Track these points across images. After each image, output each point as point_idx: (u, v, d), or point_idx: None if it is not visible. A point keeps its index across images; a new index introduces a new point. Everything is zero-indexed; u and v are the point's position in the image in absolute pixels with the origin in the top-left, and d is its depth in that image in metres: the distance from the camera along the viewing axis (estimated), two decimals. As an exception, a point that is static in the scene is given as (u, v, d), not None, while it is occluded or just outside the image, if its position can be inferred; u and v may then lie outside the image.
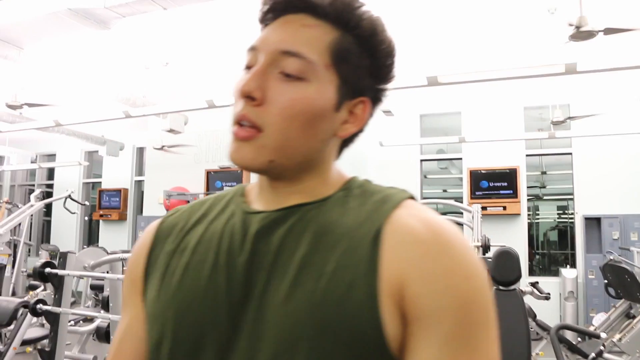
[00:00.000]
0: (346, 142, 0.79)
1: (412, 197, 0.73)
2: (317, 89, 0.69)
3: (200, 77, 7.41)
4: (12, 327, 4.10)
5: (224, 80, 7.29)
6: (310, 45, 0.69)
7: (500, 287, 2.73)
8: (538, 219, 10.06)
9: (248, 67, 0.72)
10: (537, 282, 4.44)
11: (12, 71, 6.25)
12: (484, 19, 5.61)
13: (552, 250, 10.42)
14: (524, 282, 4.86)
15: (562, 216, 10.37)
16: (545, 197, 10.00)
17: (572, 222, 8.38)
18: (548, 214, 10.76)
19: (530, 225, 9.08)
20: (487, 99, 8.17)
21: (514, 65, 5.37)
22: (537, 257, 9.84)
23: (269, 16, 0.73)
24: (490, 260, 2.90)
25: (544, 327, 4.37)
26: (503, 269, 2.71)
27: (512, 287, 2.80)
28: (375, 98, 0.77)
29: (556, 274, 8.35)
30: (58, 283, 3.82)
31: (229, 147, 0.71)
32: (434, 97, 8.26)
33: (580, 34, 4.10)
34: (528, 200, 8.73)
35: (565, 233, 9.66)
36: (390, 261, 0.64)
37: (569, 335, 4.28)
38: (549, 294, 4.41)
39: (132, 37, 6.08)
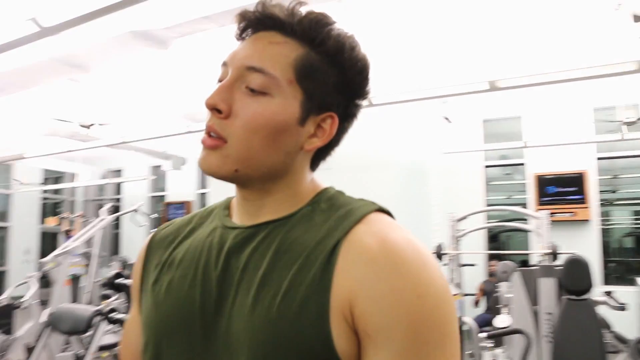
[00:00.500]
0: (321, 154, 0.81)
1: (381, 210, 0.75)
2: (280, 104, 0.72)
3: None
4: (89, 334, 4.27)
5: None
6: (274, 62, 0.72)
7: (572, 297, 2.61)
8: (611, 225, 9.60)
9: (220, 81, 0.75)
10: (612, 292, 4.22)
11: (81, 93, 6.54)
12: (544, 20, 5.44)
13: (628, 257, 9.90)
14: (599, 292, 4.64)
15: (638, 222, 9.87)
16: (618, 202, 9.54)
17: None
18: (622, 219, 10.26)
19: (603, 232, 8.69)
20: (551, 101, 7.89)
21: (579, 65, 5.16)
22: (611, 265, 9.39)
23: (244, 34, 0.77)
24: (559, 268, 2.79)
25: (621, 340, 4.15)
26: (573, 277, 2.59)
27: (584, 296, 2.67)
28: (346, 113, 0.78)
29: (633, 283, 7.93)
30: (128, 292, 3.96)
31: (200, 154, 0.75)
32: (496, 102, 8.06)
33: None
34: (600, 205, 8.34)
35: (641, 240, 9.19)
36: (341, 279, 0.66)
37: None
38: (624, 304, 4.18)
39: (192, 54, 6.24)
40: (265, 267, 0.70)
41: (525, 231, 7.61)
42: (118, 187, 13.68)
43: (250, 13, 0.75)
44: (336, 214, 0.73)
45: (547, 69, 5.28)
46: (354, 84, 0.76)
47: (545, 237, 5.79)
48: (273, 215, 0.75)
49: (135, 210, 7.40)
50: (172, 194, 12.15)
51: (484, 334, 3.20)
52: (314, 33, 0.73)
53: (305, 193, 0.78)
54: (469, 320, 3.18)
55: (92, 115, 7.63)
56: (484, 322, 5.96)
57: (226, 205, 0.84)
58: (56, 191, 14.36)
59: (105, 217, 7.45)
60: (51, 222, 13.07)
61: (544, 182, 8.05)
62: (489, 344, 4.30)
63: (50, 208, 14.68)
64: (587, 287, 2.73)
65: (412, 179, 8.76)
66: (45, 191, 13.72)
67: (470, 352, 3.33)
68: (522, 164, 8.56)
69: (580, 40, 5.91)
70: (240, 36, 0.77)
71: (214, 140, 0.72)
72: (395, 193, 8.26)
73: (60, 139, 8.89)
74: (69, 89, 6.69)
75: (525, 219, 7.09)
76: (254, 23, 0.75)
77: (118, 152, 10.38)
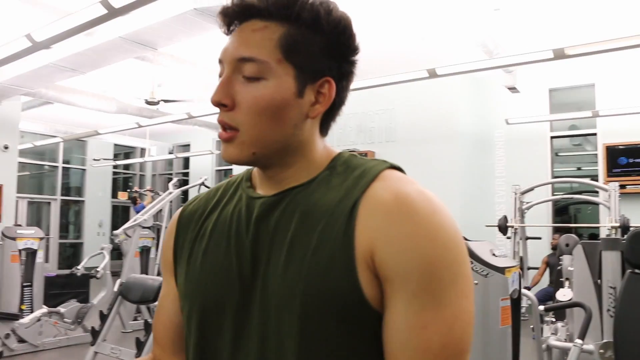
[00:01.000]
0: (328, 117, 0.85)
1: (393, 167, 0.81)
2: (275, 84, 0.76)
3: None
4: (157, 303, 4.49)
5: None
6: (260, 47, 0.76)
7: (636, 271, 2.56)
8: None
9: (220, 78, 0.80)
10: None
11: (149, 70, 6.77)
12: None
13: None
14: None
15: None
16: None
17: None
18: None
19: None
20: (623, 69, 7.52)
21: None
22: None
23: (230, 29, 0.80)
24: (624, 242, 2.72)
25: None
26: (637, 251, 2.53)
27: (650, 270, 2.61)
28: (341, 73, 0.81)
29: None
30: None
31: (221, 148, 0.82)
32: (565, 70, 7.76)
33: None
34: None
35: None
36: (362, 231, 0.72)
37: None
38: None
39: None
40: (293, 229, 0.76)
41: (594, 203, 7.37)
42: (186, 162, 14.11)
43: (229, 8, 0.79)
44: (352, 175, 0.79)
45: (614, 36, 5.05)
46: (340, 44, 0.80)
47: (614, 209, 5.61)
48: (294, 183, 0.81)
49: (202, 184, 7.62)
50: (237, 167, 12.42)
51: (542, 307, 3.17)
52: (288, 10, 0.77)
53: (321, 159, 0.83)
54: (529, 294, 3.15)
55: (160, 92, 7.90)
56: (547, 295, 5.86)
57: (248, 177, 0.89)
58: (126, 166, 14.97)
59: (172, 191, 7.73)
60: (122, 196, 13.70)
61: (614, 153, 7.73)
62: (550, 317, 4.25)
63: (121, 183, 15.35)
64: (653, 260, 2.66)
65: (477, 150, 8.62)
66: (116, 166, 14.31)
67: (531, 326, 3.31)
68: (593, 134, 8.24)
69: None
70: (228, 32, 0.81)
71: (228, 132, 0.78)
72: (460, 165, 8.16)
73: (129, 116, 9.26)
74: (137, 67, 6.93)
75: (597, 192, 6.87)
76: (235, 16, 0.79)
77: (185, 127, 10.68)
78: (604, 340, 3.02)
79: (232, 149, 0.79)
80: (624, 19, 5.94)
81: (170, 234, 0.93)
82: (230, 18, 0.80)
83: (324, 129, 0.86)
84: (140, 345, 4.25)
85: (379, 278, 0.71)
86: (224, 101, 0.77)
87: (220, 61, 0.81)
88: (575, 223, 9.48)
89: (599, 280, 3.20)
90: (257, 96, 0.76)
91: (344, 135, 9.31)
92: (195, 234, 0.88)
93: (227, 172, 12.85)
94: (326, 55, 0.79)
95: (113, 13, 3.84)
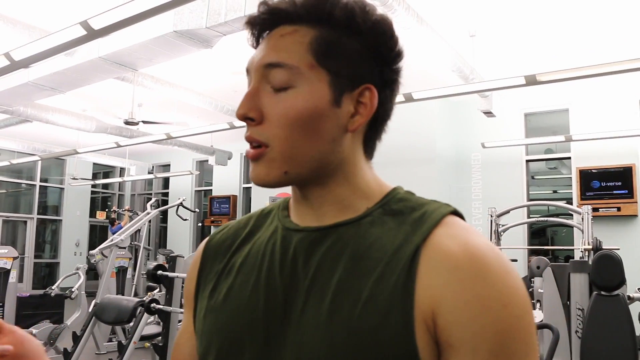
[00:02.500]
0: (372, 135, 0.76)
1: (455, 213, 0.70)
2: (307, 92, 0.68)
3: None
4: (132, 324, 4.46)
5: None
6: (289, 52, 0.69)
7: (602, 293, 2.61)
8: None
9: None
10: (648, 288, 4.14)
11: (128, 91, 6.78)
12: (590, 8, 5.35)
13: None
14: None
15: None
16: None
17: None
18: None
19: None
20: (597, 94, 7.71)
21: (623, 57, 5.06)
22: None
23: (259, 40, 0.74)
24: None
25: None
26: (603, 273, 2.59)
27: (615, 292, 2.66)
28: (384, 81, 0.73)
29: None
30: (168, 284, 4.12)
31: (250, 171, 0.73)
32: (540, 95, 7.94)
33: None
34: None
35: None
36: (424, 287, 0.62)
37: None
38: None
39: (235, 52, 6.39)
40: (340, 273, 0.67)
41: (567, 226, 7.49)
42: (165, 182, 14.06)
43: (256, 17, 0.73)
44: (411, 217, 0.69)
45: (587, 62, 5.20)
46: (381, 47, 0.71)
47: (587, 232, 5.71)
48: (338, 215, 0.72)
49: (180, 205, 7.61)
50: (218, 188, 12.42)
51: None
52: (318, 10, 0.70)
53: (370, 190, 0.74)
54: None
55: (139, 112, 7.90)
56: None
57: (285, 206, 0.80)
58: (105, 186, 14.85)
59: (150, 211, 7.71)
60: (101, 216, 13.57)
61: (588, 177, 7.88)
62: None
63: (100, 202, 15.21)
64: (618, 283, 2.71)
65: (454, 173, 8.72)
66: (94, 186, 14.20)
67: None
68: (568, 158, 8.39)
69: (625, 30, 5.78)
70: (257, 43, 0.74)
71: (256, 149, 0.70)
72: (437, 187, 8.24)
73: (108, 135, 9.22)
74: (117, 87, 6.95)
75: (571, 214, 6.98)
76: (263, 24, 0.73)
77: (165, 147, 10.67)
78: (573, 362, 3.08)
79: (260, 168, 0.70)
80: (596, 47, 6.11)
81: (194, 265, 0.84)
82: (259, 27, 0.73)
83: (369, 148, 0.76)
84: (114, 367, 4.21)
85: (439, 344, 0.62)
86: (250, 114, 0.69)
87: (247, 71, 0.73)
88: (552, 245, 9.59)
89: (568, 302, 3.26)
90: (287, 106, 0.68)
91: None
92: (222, 267, 0.79)
93: (207, 193, 12.81)
94: (365, 59, 0.71)
95: (93, 34, 3.87)
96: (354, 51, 0.70)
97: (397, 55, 0.73)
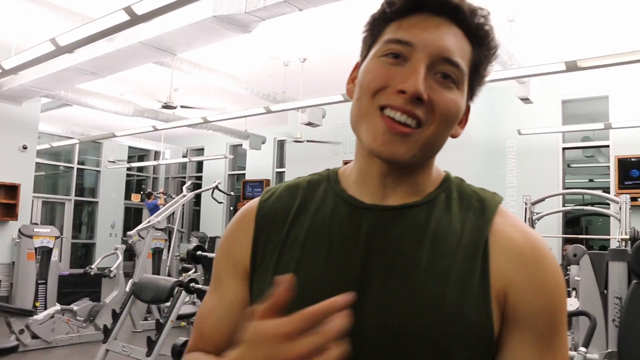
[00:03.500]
0: None
1: (501, 201, 0.80)
2: (461, 96, 0.75)
3: (335, 71, 7.62)
4: (169, 303, 4.58)
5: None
6: (462, 57, 0.74)
7: (642, 282, 2.62)
8: None
9: (395, 56, 0.73)
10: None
11: (166, 75, 6.88)
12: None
13: None
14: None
15: None
16: None
17: None
18: None
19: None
20: (637, 81, 7.53)
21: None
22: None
23: (404, 8, 0.74)
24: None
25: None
26: (644, 262, 2.59)
27: (655, 281, 2.66)
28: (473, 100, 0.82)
29: None
30: (208, 264, 4.21)
31: (375, 137, 0.72)
32: (578, 82, 7.79)
33: None
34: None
35: None
36: (496, 270, 0.73)
37: None
38: None
39: (272, 37, 6.43)
40: (422, 253, 0.73)
41: (604, 215, 7.38)
42: (199, 166, 14.23)
43: None
44: (470, 204, 0.78)
45: (627, 49, 5.08)
46: (486, 75, 0.80)
47: (625, 222, 5.62)
48: (408, 196, 0.78)
49: (216, 188, 7.70)
50: (251, 172, 12.53)
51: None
52: (484, 33, 0.75)
53: (434, 177, 0.81)
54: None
55: (177, 96, 8.01)
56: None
57: (335, 179, 0.84)
58: (140, 169, 15.12)
59: (186, 194, 7.82)
60: (136, 199, 13.85)
61: (627, 165, 7.72)
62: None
63: (135, 185, 15.50)
64: (658, 271, 2.71)
65: (489, 159, 8.65)
66: (129, 169, 14.47)
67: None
68: (606, 146, 8.23)
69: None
70: (398, 10, 0.74)
71: (405, 127, 0.71)
72: (472, 173, 8.18)
73: (144, 119, 9.39)
74: (156, 71, 7.06)
75: (607, 204, 6.87)
76: (429, 3, 0.73)
77: (200, 131, 10.80)
78: (609, 350, 3.07)
79: (400, 146, 0.71)
80: (637, 33, 5.97)
81: (244, 232, 0.83)
82: (425, 3, 0.73)
83: None
84: (151, 344, 4.33)
85: (505, 318, 0.72)
86: (424, 95, 0.70)
87: (410, 44, 0.72)
88: (586, 234, 9.46)
89: (605, 291, 3.24)
90: (451, 103, 0.73)
91: (350, 143, 9.38)
92: (283, 239, 0.80)
93: (240, 177, 12.95)
94: (481, 83, 0.80)
95: (136, 19, 3.95)
96: (485, 74, 0.79)
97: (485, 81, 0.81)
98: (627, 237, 5.42)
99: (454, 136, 0.79)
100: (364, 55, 0.79)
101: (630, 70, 6.98)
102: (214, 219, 12.63)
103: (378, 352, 0.70)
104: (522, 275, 0.72)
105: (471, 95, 0.79)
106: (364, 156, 0.79)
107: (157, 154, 14.48)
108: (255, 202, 0.87)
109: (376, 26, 0.77)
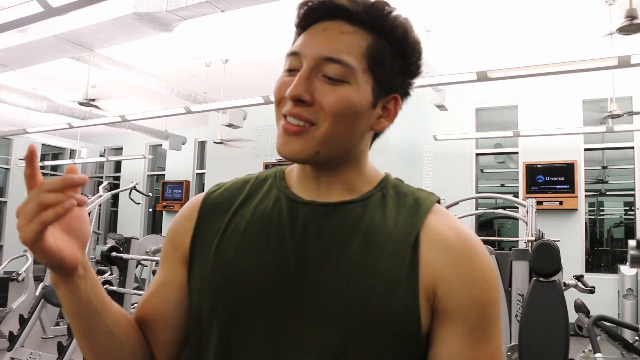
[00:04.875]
0: (377, 134, 0.86)
1: (438, 201, 0.84)
2: (356, 90, 0.76)
3: (257, 73, 7.64)
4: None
5: (278, 77, 7.50)
6: (349, 52, 0.75)
7: (540, 279, 2.80)
8: (602, 215, 9.77)
9: (290, 70, 0.79)
10: (582, 276, 4.39)
11: (83, 71, 6.66)
12: (540, 9, 5.56)
13: (617, 247, 10.08)
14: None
15: (629, 212, 10.01)
16: (608, 193, 9.70)
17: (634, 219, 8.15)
18: (613, 210, 10.42)
19: (593, 222, 8.86)
20: (544, 92, 8.03)
21: (568, 58, 5.30)
22: (599, 253, 9.57)
23: (305, 22, 0.80)
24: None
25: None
26: (542, 260, 2.78)
27: (552, 278, 2.86)
28: (405, 93, 0.84)
29: (616, 271, 8.14)
30: (123, 266, 4.12)
31: (278, 140, 0.78)
32: (491, 91, 8.20)
33: (632, 27, 4.04)
34: (590, 195, 8.51)
35: (632, 230, 9.35)
36: (426, 264, 0.75)
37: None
38: (593, 287, 4.33)
39: (193, 37, 6.36)
40: (353, 246, 0.76)
41: (512, 218, 7.79)
42: (117, 165, 13.81)
43: (317, 3, 0.78)
44: (405, 202, 0.81)
45: (536, 61, 5.42)
46: (413, 65, 0.81)
47: (531, 224, 5.97)
48: (344, 194, 0.81)
49: (133, 188, 7.52)
50: (170, 173, 12.29)
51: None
52: (382, 22, 0.77)
53: (370, 175, 0.85)
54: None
55: (93, 93, 7.76)
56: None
57: (282, 177, 0.88)
58: (54, 168, 14.48)
59: (102, 194, 7.59)
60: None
61: (533, 171, 8.22)
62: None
63: (49, 184, 14.79)
64: (554, 269, 2.92)
65: (406, 164, 8.92)
66: (43, 167, 13.82)
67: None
68: (516, 153, 8.70)
69: (572, 32, 6.05)
70: (301, 23, 0.80)
71: (298, 126, 0.76)
72: (389, 178, 8.40)
73: (60, 116, 9.01)
74: (72, 67, 6.81)
75: (516, 207, 7.26)
76: (319, 11, 0.78)
77: (118, 130, 10.49)
78: (512, 344, 3.26)
79: (297, 143, 0.76)
80: (545, 47, 6.37)
81: (188, 219, 0.88)
82: (316, 13, 0.78)
83: (371, 143, 0.88)
84: (62, 350, 4.18)
85: (435, 311, 0.75)
86: (304, 97, 0.75)
87: (296, 54, 0.78)
88: (498, 236, 9.94)
89: (509, 288, 3.44)
90: (342, 97, 0.75)
91: (270, 145, 9.43)
92: (224, 227, 0.84)
93: (159, 178, 12.67)
94: (399, 71, 0.80)
95: (50, 12, 3.81)
96: (397, 66, 0.80)
97: (419, 70, 0.83)
98: (533, 238, 5.75)
99: (376, 130, 0.82)
100: None
101: (537, 82, 7.44)
102: (132, 220, 12.29)
103: (313, 339, 0.74)
104: (452, 270, 0.75)
105: (388, 86, 0.80)
106: None
107: (72, 153, 13.92)
108: (203, 193, 0.92)
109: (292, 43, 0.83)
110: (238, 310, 0.78)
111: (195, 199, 0.91)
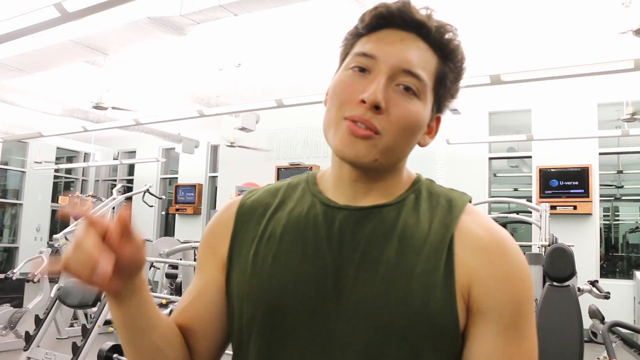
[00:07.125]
0: None
1: (470, 201, 0.86)
2: (423, 107, 0.79)
3: (270, 77, 7.66)
4: (96, 308, 4.46)
5: (292, 81, 7.51)
6: (424, 69, 0.79)
7: (554, 283, 2.77)
8: (618, 220, 9.69)
9: (361, 70, 0.79)
10: (597, 281, 4.35)
11: (98, 75, 6.71)
12: (554, 12, 5.53)
13: (632, 253, 9.96)
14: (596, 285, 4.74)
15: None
16: (624, 198, 9.61)
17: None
18: (629, 215, 10.32)
19: (608, 227, 8.77)
20: (558, 96, 7.97)
21: (582, 61, 5.26)
22: (614, 258, 9.48)
23: (375, 24, 0.81)
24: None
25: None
26: (556, 264, 2.75)
27: (566, 283, 2.83)
28: (443, 111, 0.88)
29: (631, 277, 8.05)
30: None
31: (341, 140, 0.78)
32: (504, 95, 8.15)
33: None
34: (605, 200, 8.43)
35: (647, 235, 9.25)
36: (461, 265, 0.76)
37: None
38: (608, 292, 4.30)
39: (206, 41, 6.40)
40: (390, 250, 0.78)
41: (526, 223, 7.74)
42: (130, 168, 13.90)
43: (394, 9, 0.79)
44: (438, 203, 0.83)
45: (550, 64, 5.39)
46: (457, 87, 0.85)
47: (545, 229, 5.93)
48: (380, 198, 0.83)
49: (147, 191, 7.57)
50: (183, 177, 12.35)
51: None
52: (449, 46, 0.81)
53: (405, 179, 0.86)
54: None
55: (108, 97, 7.81)
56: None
57: (314, 181, 0.89)
58: (68, 171, 14.61)
59: (116, 197, 7.65)
60: (63, 201, 13.35)
61: (547, 176, 8.15)
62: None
63: (63, 187, 14.95)
64: (569, 274, 2.89)
65: (419, 167, 8.86)
66: (57, 170, 13.95)
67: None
68: (529, 157, 8.65)
69: (588, 35, 6.00)
70: (371, 23, 0.81)
71: (366, 131, 0.76)
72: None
73: (74, 119, 9.10)
74: (87, 71, 6.87)
75: (530, 211, 7.22)
76: (396, 20, 0.80)
77: (132, 133, 10.57)
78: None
79: (361, 148, 0.77)
80: (559, 51, 6.33)
81: (225, 225, 0.90)
82: (387, 18, 0.80)
83: None
84: (76, 350, 4.21)
85: (470, 310, 0.76)
86: (382, 104, 0.76)
87: (371, 56, 0.79)
88: (511, 241, 9.83)
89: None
90: (412, 111, 0.78)
91: (290, 149, 9.45)
92: (260, 233, 0.85)
93: (172, 181, 12.74)
94: (449, 94, 0.84)
95: (66, 17, 3.85)
96: (451, 87, 0.83)
97: (457, 94, 0.86)
98: (547, 243, 5.72)
99: (421, 145, 0.85)
100: (338, 68, 0.85)
101: (551, 86, 7.39)
102: (145, 222, 12.36)
103: (353, 342, 0.75)
104: (486, 269, 0.76)
105: (439, 106, 0.84)
106: (336, 163, 0.85)
107: (86, 156, 14.05)
108: (237, 199, 0.93)
109: (349, 41, 0.84)
110: (278, 316, 0.79)
111: (230, 205, 0.93)
